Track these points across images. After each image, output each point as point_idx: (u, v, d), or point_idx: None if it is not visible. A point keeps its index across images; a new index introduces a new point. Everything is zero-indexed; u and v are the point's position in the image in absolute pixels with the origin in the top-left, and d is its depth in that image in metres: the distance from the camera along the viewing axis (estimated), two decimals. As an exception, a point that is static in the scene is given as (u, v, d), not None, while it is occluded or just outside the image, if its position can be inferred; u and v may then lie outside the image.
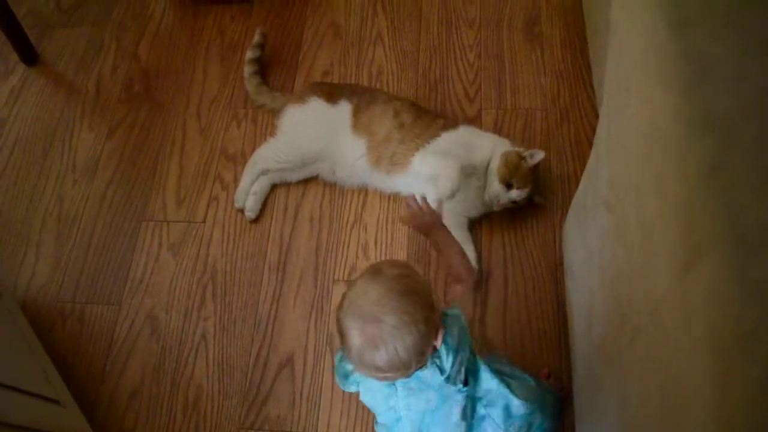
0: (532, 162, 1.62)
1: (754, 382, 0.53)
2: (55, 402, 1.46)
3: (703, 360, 0.60)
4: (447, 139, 1.67)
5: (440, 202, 1.46)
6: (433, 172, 1.62)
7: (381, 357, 1.03)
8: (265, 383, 1.60)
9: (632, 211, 0.86)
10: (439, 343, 1.09)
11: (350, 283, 1.11)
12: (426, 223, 1.36)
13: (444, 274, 1.63)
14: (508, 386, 1.22)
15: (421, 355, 1.06)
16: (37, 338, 1.61)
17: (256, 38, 1.99)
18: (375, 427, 1.33)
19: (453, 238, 1.36)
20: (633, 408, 0.92)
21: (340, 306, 1.08)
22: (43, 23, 2.28)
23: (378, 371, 1.06)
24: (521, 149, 1.65)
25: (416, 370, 1.09)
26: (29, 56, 2.18)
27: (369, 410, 1.51)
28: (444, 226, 1.37)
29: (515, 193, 1.62)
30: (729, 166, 0.59)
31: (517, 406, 1.22)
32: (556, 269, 1.64)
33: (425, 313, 1.05)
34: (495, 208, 1.65)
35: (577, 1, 2.03)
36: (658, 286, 0.73)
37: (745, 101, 0.59)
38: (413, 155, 1.66)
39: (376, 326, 1.02)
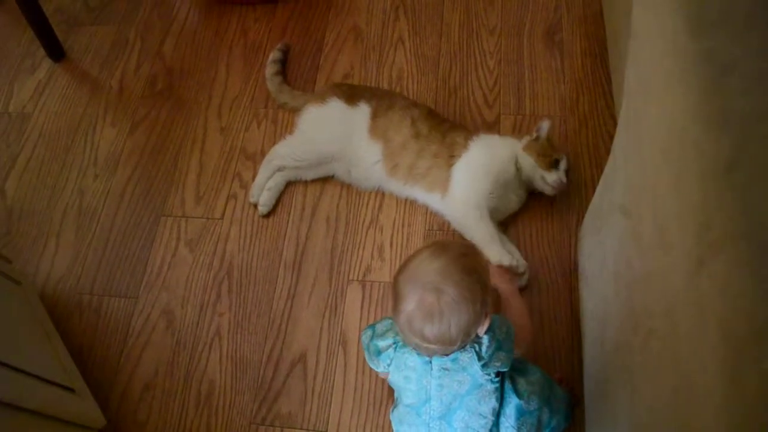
0: (544, 133, 1.68)
1: (766, 377, 0.53)
2: (71, 390, 1.48)
3: (716, 357, 0.60)
4: (467, 162, 1.67)
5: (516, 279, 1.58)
6: (477, 239, 1.63)
7: (432, 328, 1.06)
8: (278, 380, 1.61)
9: (648, 214, 0.86)
10: (483, 329, 1.11)
11: (414, 252, 1.14)
12: (504, 287, 1.48)
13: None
14: (515, 385, 1.23)
15: (467, 335, 1.09)
16: (54, 327, 1.64)
17: (280, 45, 2.04)
18: (390, 415, 1.34)
19: (519, 294, 1.48)
20: (644, 412, 0.92)
21: (402, 270, 1.12)
22: (71, 20, 2.32)
23: (423, 340, 1.08)
24: (528, 136, 1.70)
25: (456, 350, 1.11)
26: (56, 52, 2.22)
27: (380, 409, 1.53)
28: (518, 294, 1.48)
29: (564, 164, 1.66)
30: (745, 164, 0.59)
31: (523, 404, 1.23)
32: (571, 275, 1.64)
33: (483, 294, 1.08)
34: (553, 192, 1.68)
35: (598, 10, 2.04)
36: (672, 286, 0.73)
37: (762, 101, 0.59)
38: (442, 192, 1.68)
39: (436, 296, 1.05)
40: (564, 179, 1.65)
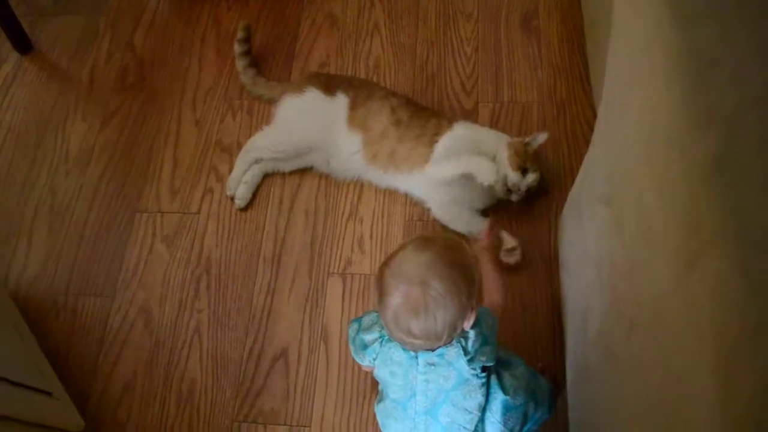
0: (536, 144, 1.66)
1: (760, 377, 0.53)
2: (48, 394, 1.45)
3: (708, 356, 0.59)
4: (449, 139, 1.66)
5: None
6: (460, 172, 1.60)
7: (419, 322, 1.05)
8: (259, 376, 1.59)
9: (632, 206, 0.86)
10: (469, 324, 1.10)
11: (399, 246, 1.12)
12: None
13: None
14: (500, 380, 1.23)
15: (454, 330, 1.08)
16: (29, 329, 1.60)
17: (240, 34, 1.96)
18: (375, 409, 1.33)
19: (493, 264, 1.45)
20: (629, 403, 0.92)
21: (387, 264, 1.10)
22: (37, 11, 2.26)
23: (409, 335, 1.07)
24: (521, 138, 1.67)
25: (442, 345, 1.10)
26: (22, 44, 2.15)
27: (363, 403, 1.52)
28: (494, 269, 1.45)
29: (531, 177, 1.63)
30: (733, 162, 0.58)
31: (509, 400, 1.22)
32: (551, 263, 1.64)
33: (469, 288, 1.07)
34: (514, 199, 1.65)
35: (575, -4, 2.02)
36: (659, 282, 0.72)
37: (749, 97, 0.58)
38: (423, 167, 1.65)
39: (422, 290, 1.04)
40: (521, 186, 1.63)
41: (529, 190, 1.65)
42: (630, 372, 0.91)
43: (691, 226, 0.62)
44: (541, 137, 1.66)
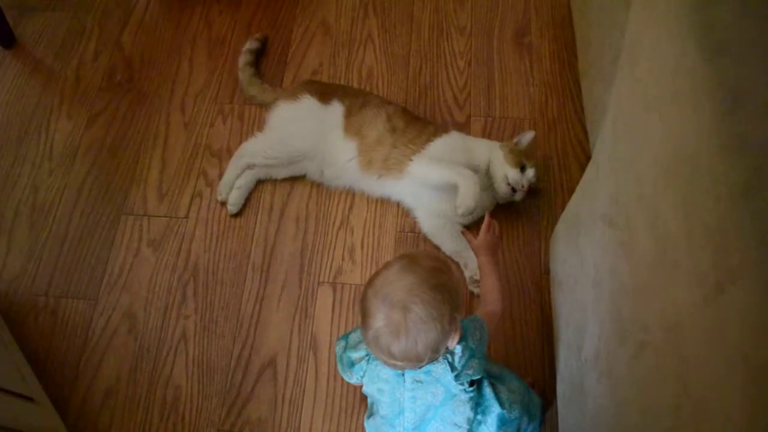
0: (524, 143, 1.70)
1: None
2: (29, 399, 1.40)
3: (735, 382, 0.60)
4: (443, 143, 1.67)
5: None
6: (440, 181, 1.61)
7: (399, 345, 1.05)
8: (247, 385, 1.57)
9: (644, 229, 0.87)
10: (454, 343, 1.10)
11: (384, 265, 1.12)
12: (485, 243, 1.43)
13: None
14: (497, 394, 1.23)
15: (435, 352, 1.08)
16: (9, 332, 1.56)
17: (259, 35, 2.02)
18: (365, 423, 1.33)
19: (497, 269, 1.41)
20: (633, 420, 0.93)
21: (370, 284, 1.10)
22: (23, 5, 2.20)
23: (390, 357, 1.07)
24: (509, 141, 1.73)
25: (426, 364, 1.10)
26: (6, 38, 2.10)
27: (352, 414, 1.52)
28: (496, 255, 1.44)
29: (530, 172, 1.65)
30: (762, 190, 0.59)
31: (505, 413, 1.23)
32: (541, 278, 1.66)
33: (451, 311, 1.07)
34: (518, 198, 1.66)
35: (567, 16, 2.05)
36: (679, 306, 0.73)
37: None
38: (410, 160, 1.65)
39: (403, 314, 1.04)
40: (524, 184, 1.64)
41: (530, 187, 1.66)
42: (636, 391, 0.92)
43: (719, 252, 0.63)
44: (528, 136, 1.70)
